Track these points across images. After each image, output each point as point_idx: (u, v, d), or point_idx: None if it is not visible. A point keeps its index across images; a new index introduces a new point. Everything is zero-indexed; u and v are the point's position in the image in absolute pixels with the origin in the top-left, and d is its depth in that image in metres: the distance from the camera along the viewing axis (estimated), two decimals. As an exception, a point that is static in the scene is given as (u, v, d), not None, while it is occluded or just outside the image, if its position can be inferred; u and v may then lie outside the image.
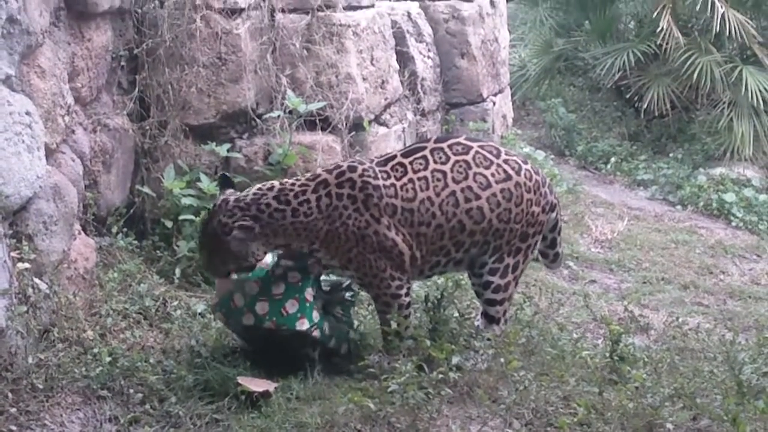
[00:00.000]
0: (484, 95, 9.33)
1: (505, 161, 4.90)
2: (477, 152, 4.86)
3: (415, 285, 5.32)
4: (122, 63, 6.14)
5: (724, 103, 10.36)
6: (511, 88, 10.79)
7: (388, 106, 7.64)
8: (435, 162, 4.79)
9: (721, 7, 9.98)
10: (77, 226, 5.20)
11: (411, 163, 4.79)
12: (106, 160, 5.79)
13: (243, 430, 4.17)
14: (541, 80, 11.88)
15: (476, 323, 5.07)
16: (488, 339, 4.81)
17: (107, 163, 5.81)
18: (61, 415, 4.20)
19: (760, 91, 10.12)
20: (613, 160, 10.43)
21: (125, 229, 5.90)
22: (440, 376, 4.30)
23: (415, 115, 8.31)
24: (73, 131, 5.40)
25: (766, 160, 10.40)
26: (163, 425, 4.23)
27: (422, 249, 4.78)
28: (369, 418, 4.20)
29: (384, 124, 7.52)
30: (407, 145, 6.48)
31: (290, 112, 6.48)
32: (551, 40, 11.88)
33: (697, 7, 10.24)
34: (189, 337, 4.99)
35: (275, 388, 4.45)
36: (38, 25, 4.79)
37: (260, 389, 4.38)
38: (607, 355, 4.81)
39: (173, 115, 6.29)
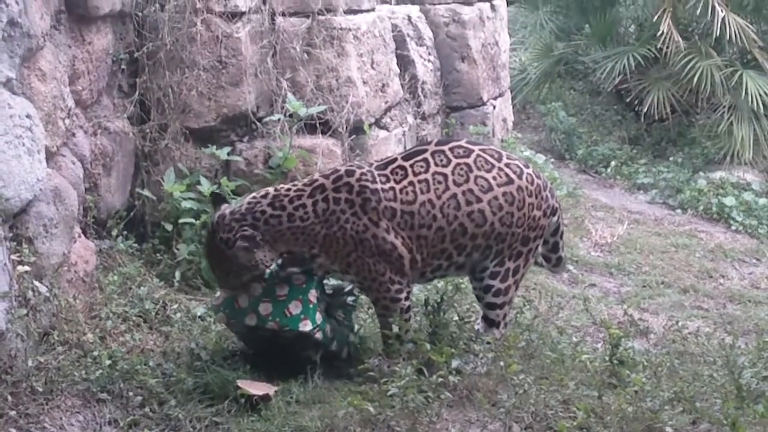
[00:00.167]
0: (485, 99, 9.34)
1: (507, 165, 4.89)
2: (478, 155, 4.86)
3: (415, 288, 5.32)
4: (123, 66, 6.14)
5: (724, 107, 10.35)
6: (511, 92, 10.79)
7: (388, 109, 7.64)
8: (436, 165, 4.79)
9: (722, 11, 9.98)
10: (77, 229, 5.20)
11: (411, 165, 4.79)
12: (106, 163, 5.79)
13: (242, 434, 4.18)
14: (542, 84, 11.88)
15: (476, 327, 5.07)
16: (488, 342, 4.81)
17: (107, 166, 5.82)
18: (61, 418, 4.20)
19: (760, 95, 10.11)
20: (613, 163, 10.43)
21: (125, 232, 5.90)
22: (440, 379, 4.31)
23: (415, 118, 8.31)
24: (73, 134, 5.40)
25: (766, 164, 10.39)
26: (162, 428, 4.24)
27: (423, 252, 4.78)
28: (369, 422, 4.20)
29: (384, 127, 7.53)
30: (408, 148, 6.49)
31: (290, 115, 6.48)
32: (551, 44, 11.88)
33: (698, 11, 10.23)
34: (189, 340, 4.99)
35: (275, 391, 4.45)
36: (39, 28, 4.79)
37: (260, 392, 4.38)
38: (607, 358, 4.80)
39: (174, 118, 6.30)
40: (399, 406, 4.18)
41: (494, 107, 9.59)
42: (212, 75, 6.39)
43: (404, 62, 8.29)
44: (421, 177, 4.76)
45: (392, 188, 4.72)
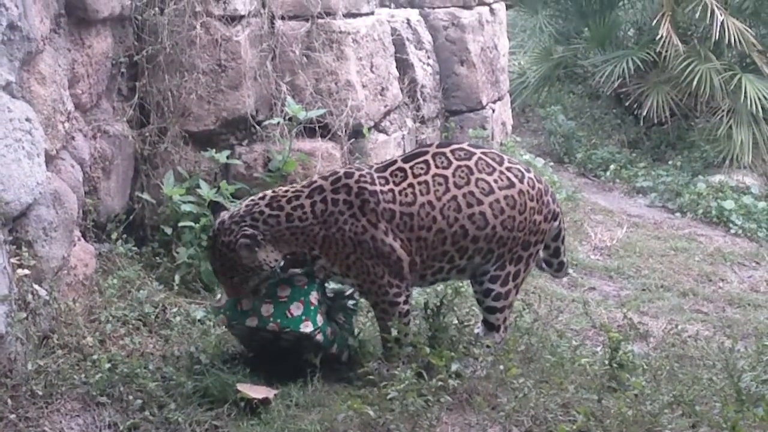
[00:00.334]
0: (484, 102, 9.35)
1: (508, 168, 4.89)
2: (480, 158, 4.86)
3: (415, 292, 5.32)
4: (122, 69, 6.14)
5: (723, 110, 10.35)
6: (510, 96, 10.80)
7: (387, 113, 7.65)
8: (437, 167, 4.79)
9: (721, 15, 9.99)
10: (77, 233, 5.20)
11: (412, 167, 4.79)
12: (105, 166, 5.79)
13: (242, 437, 4.18)
14: (541, 87, 11.88)
15: (476, 330, 5.07)
16: (487, 346, 4.81)
17: (107, 170, 5.81)
18: (61, 422, 4.20)
19: (759, 98, 10.12)
20: (612, 167, 10.43)
21: (125, 236, 5.90)
22: (439, 383, 4.31)
23: (414, 122, 8.32)
24: (73, 138, 5.40)
25: (765, 167, 10.39)
26: (162, 432, 4.24)
27: (423, 254, 4.78)
28: (368, 426, 4.20)
29: (383, 131, 7.53)
30: (408, 150, 6.49)
31: (290, 119, 6.49)
32: (551, 48, 11.89)
33: (697, 15, 10.24)
34: (188, 344, 4.99)
35: (275, 395, 4.45)
36: (39, 32, 4.79)
37: (260, 396, 4.38)
38: (607, 362, 4.80)
39: (173, 121, 6.30)
40: (399, 410, 4.18)
41: (493, 111, 9.60)
42: (212, 78, 6.39)
43: (403, 66, 8.30)
44: (421, 179, 4.76)
45: (391, 190, 4.72)
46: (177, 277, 5.82)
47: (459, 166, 4.80)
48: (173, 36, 6.22)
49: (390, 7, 9.06)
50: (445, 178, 4.77)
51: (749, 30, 10.35)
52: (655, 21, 10.46)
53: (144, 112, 6.32)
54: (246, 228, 4.61)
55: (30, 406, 4.19)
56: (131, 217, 6.08)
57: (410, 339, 4.67)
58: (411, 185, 4.74)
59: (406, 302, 4.79)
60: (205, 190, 6.11)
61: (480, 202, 4.78)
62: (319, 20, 6.87)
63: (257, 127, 6.57)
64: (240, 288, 4.69)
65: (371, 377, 4.42)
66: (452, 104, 9.18)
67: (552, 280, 6.55)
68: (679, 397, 4.45)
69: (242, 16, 6.49)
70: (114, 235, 5.79)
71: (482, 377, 4.67)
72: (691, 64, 10.21)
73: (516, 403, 4.34)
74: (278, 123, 6.53)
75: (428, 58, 8.80)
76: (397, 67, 7.97)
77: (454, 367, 4.48)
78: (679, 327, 5.71)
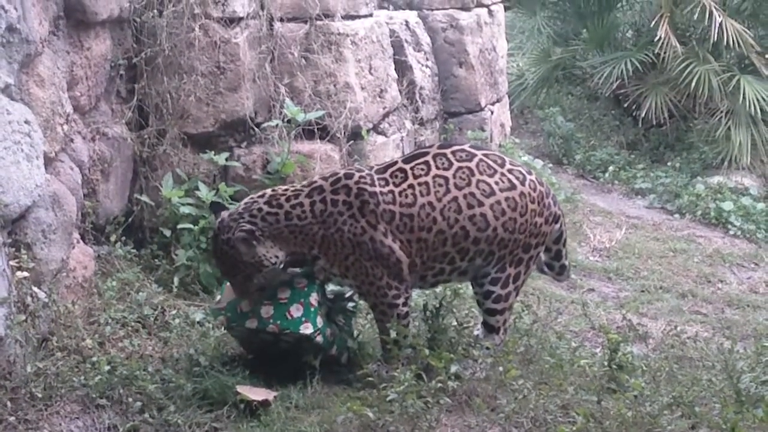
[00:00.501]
0: (483, 104, 9.35)
1: (510, 170, 4.89)
2: (481, 160, 4.85)
3: (414, 294, 5.32)
4: (121, 72, 6.14)
5: (721, 112, 10.36)
6: (509, 97, 10.81)
7: (386, 115, 7.65)
8: (437, 168, 4.79)
9: (719, 16, 9.99)
10: (76, 235, 5.20)
11: (412, 168, 4.79)
12: (104, 168, 5.79)
13: (242, 439, 4.18)
14: (539, 89, 11.89)
15: (476, 332, 5.07)
16: (487, 348, 4.81)
17: (106, 172, 5.81)
18: (60, 424, 4.20)
19: (757, 100, 10.12)
20: (611, 168, 10.43)
21: (124, 238, 5.90)
22: (439, 385, 4.31)
23: (413, 124, 8.32)
24: (71, 140, 5.40)
25: (764, 168, 10.39)
26: (161, 434, 4.24)
27: (423, 255, 4.78)
28: (368, 427, 4.20)
29: (382, 133, 7.53)
30: (407, 152, 6.49)
31: (289, 121, 6.49)
32: (549, 49, 11.89)
33: (695, 17, 10.25)
34: (188, 346, 4.98)
35: (274, 397, 4.45)
36: (37, 34, 4.79)
37: (259, 398, 4.38)
38: (606, 363, 4.80)
39: (172, 123, 6.29)
40: (398, 412, 4.18)
41: (492, 112, 9.60)
42: (210, 80, 6.39)
43: (402, 68, 8.30)
44: (422, 180, 4.76)
45: (391, 191, 4.72)
46: (176, 279, 5.82)
47: (460, 168, 4.80)
48: (172, 38, 6.22)
49: (388, 9, 9.06)
50: (446, 179, 4.77)
51: (748, 31, 10.36)
52: (653, 22, 10.47)
53: (143, 115, 6.32)
54: (244, 224, 4.62)
55: (29, 409, 4.19)
56: (130, 220, 6.08)
57: (409, 341, 4.66)
58: (411, 186, 4.74)
59: (405, 304, 4.78)
60: (204, 192, 6.11)
61: (481, 204, 4.78)
62: (318, 22, 6.87)
63: (256, 129, 6.57)
64: (245, 286, 4.69)
65: (371, 379, 4.42)
66: (451, 106, 9.18)
67: (551, 282, 6.56)
68: (679, 398, 4.45)
69: (241, 18, 6.49)
70: (113, 238, 5.79)
71: (482, 379, 4.67)
72: (689, 66, 10.21)
73: (515, 405, 4.34)
74: (277, 125, 6.53)
75: (427, 59, 8.80)
76: (395, 69, 7.97)
77: (453, 368, 4.48)
78: (679, 328, 5.71)
